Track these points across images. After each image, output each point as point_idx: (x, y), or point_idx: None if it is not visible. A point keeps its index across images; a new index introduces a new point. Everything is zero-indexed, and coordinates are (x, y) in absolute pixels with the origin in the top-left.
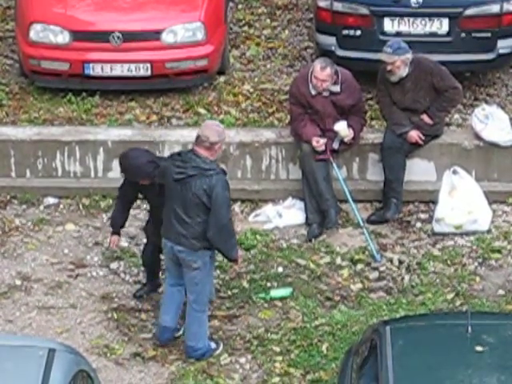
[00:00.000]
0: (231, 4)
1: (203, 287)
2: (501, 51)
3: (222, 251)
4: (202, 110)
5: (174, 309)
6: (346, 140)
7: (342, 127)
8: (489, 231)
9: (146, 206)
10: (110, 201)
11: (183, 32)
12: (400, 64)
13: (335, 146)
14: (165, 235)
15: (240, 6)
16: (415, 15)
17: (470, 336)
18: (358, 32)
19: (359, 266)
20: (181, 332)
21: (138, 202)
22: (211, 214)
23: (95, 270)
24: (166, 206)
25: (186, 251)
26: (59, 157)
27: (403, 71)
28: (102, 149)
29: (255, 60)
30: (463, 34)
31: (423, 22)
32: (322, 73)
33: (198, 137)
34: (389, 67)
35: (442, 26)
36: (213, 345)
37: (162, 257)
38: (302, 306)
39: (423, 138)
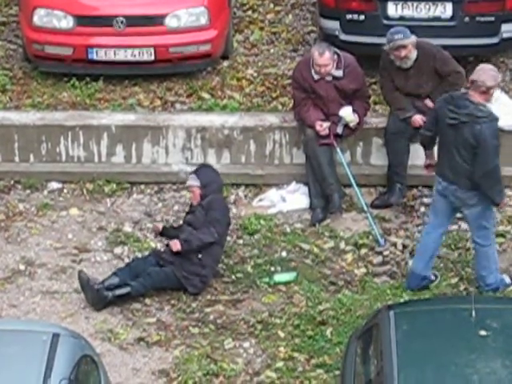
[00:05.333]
0: None
1: (485, 221)
2: (504, 35)
3: (488, 195)
4: (205, 95)
5: (427, 257)
6: (351, 125)
7: (347, 113)
8: None
9: (149, 190)
10: (114, 186)
11: (187, 16)
12: (411, 47)
13: (339, 130)
14: (440, 174)
15: None
16: None
17: (474, 320)
18: (362, 16)
19: (363, 251)
20: (437, 281)
21: (142, 186)
22: (478, 159)
23: (99, 255)
24: (441, 147)
25: (460, 189)
26: (63, 141)
27: (414, 54)
28: (105, 133)
29: (259, 44)
30: (467, 18)
31: (427, 6)
32: (322, 58)
33: (472, 81)
34: (403, 53)
35: (445, 10)
36: (507, 279)
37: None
38: (306, 290)
39: None
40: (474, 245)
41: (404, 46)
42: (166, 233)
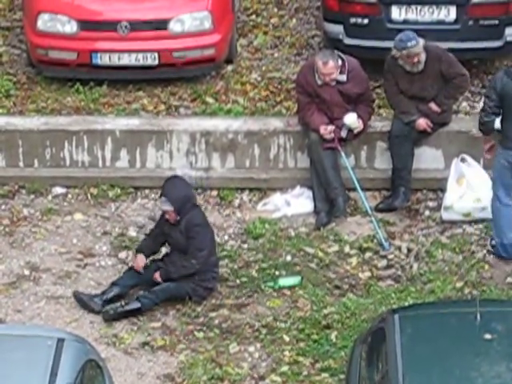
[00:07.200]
0: None
1: None
2: (508, 39)
3: None
4: (209, 99)
5: None
6: (355, 131)
7: (351, 119)
8: (492, 219)
9: (154, 195)
10: (118, 190)
11: (191, 21)
12: (422, 50)
13: (343, 134)
14: (509, 146)
15: None
16: (423, 3)
17: (479, 324)
18: (366, 20)
19: (368, 255)
20: None
21: (146, 191)
22: None
23: (104, 260)
24: (508, 118)
25: None
26: (67, 146)
27: (424, 56)
28: (109, 138)
29: (263, 49)
30: (471, 22)
31: (431, 10)
32: (326, 67)
33: None
34: (416, 59)
35: (449, 13)
36: None
37: None
38: (311, 294)
39: (431, 125)
40: None
41: (417, 53)
42: (145, 252)
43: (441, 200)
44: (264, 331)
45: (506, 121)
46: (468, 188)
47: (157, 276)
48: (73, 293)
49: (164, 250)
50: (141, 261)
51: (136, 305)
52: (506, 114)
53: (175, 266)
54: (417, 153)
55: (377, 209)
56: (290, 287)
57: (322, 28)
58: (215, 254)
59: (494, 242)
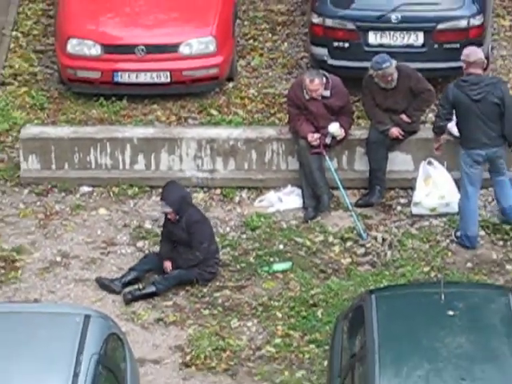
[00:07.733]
0: (238, 21)
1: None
2: None
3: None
4: (213, 112)
5: (476, 219)
6: (338, 138)
7: (335, 128)
8: (459, 213)
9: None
10: (136, 189)
11: (197, 45)
12: (395, 70)
13: (327, 141)
14: (478, 147)
15: (246, 23)
16: (395, 29)
17: (443, 302)
18: (347, 44)
19: (348, 243)
20: None
21: (160, 189)
22: (505, 116)
23: (124, 248)
24: (469, 124)
25: (499, 149)
26: (93, 152)
27: (396, 75)
28: (128, 145)
29: (259, 68)
30: (436, 46)
31: (402, 36)
32: (312, 84)
33: (472, 62)
34: (389, 78)
35: (417, 38)
36: None
37: None
38: (300, 277)
39: (403, 133)
40: (499, 180)
41: (391, 73)
42: (168, 255)
43: (411, 197)
44: (260, 309)
45: (462, 125)
46: (434, 187)
47: (166, 268)
48: (95, 279)
49: None
50: (168, 265)
51: (152, 289)
52: (462, 120)
53: (182, 259)
54: (390, 157)
55: (356, 204)
56: (283, 271)
57: (309, 51)
58: (215, 242)
59: (458, 234)
